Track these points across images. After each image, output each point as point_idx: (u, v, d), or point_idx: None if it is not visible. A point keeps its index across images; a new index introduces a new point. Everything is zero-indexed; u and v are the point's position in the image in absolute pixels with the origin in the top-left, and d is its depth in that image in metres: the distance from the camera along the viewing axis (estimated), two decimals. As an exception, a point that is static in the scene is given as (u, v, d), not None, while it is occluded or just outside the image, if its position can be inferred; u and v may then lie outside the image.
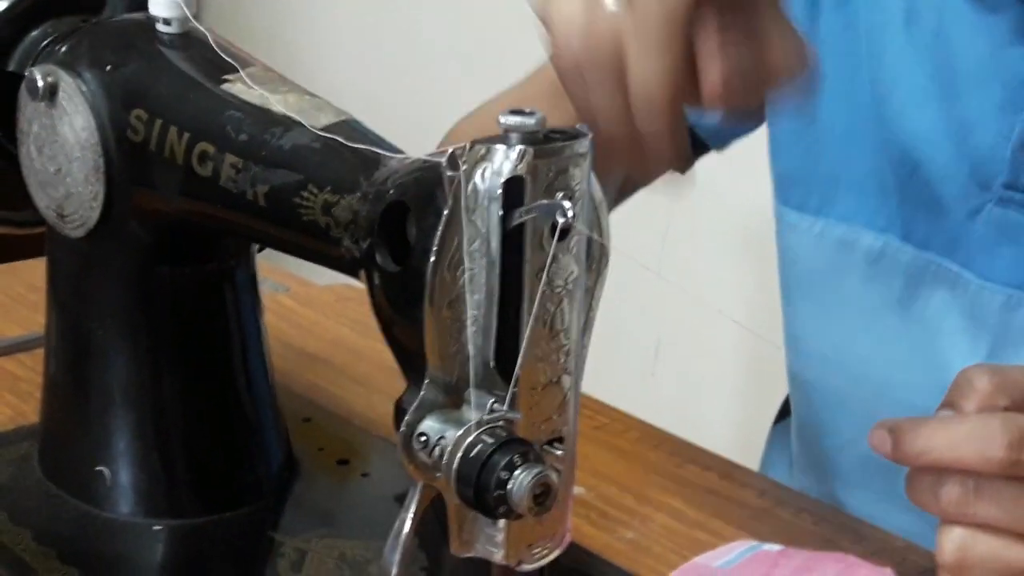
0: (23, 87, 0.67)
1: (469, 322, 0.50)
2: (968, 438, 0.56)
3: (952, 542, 0.57)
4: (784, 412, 1.03)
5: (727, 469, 0.82)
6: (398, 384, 0.52)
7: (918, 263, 0.80)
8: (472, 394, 0.50)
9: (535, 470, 0.48)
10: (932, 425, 0.57)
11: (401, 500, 0.71)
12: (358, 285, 0.58)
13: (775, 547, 0.69)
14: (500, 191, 0.48)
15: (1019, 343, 0.77)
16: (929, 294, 0.80)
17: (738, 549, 0.69)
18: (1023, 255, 0.76)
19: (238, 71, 0.62)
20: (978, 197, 0.77)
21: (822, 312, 0.87)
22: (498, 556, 0.52)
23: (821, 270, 0.85)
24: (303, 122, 0.59)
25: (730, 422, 1.65)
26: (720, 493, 0.79)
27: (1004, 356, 0.78)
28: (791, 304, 0.90)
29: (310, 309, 1.02)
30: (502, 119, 0.48)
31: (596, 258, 0.52)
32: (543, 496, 0.48)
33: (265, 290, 0.74)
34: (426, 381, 0.50)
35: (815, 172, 0.84)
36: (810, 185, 0.84)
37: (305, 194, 0.57)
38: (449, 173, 0.48)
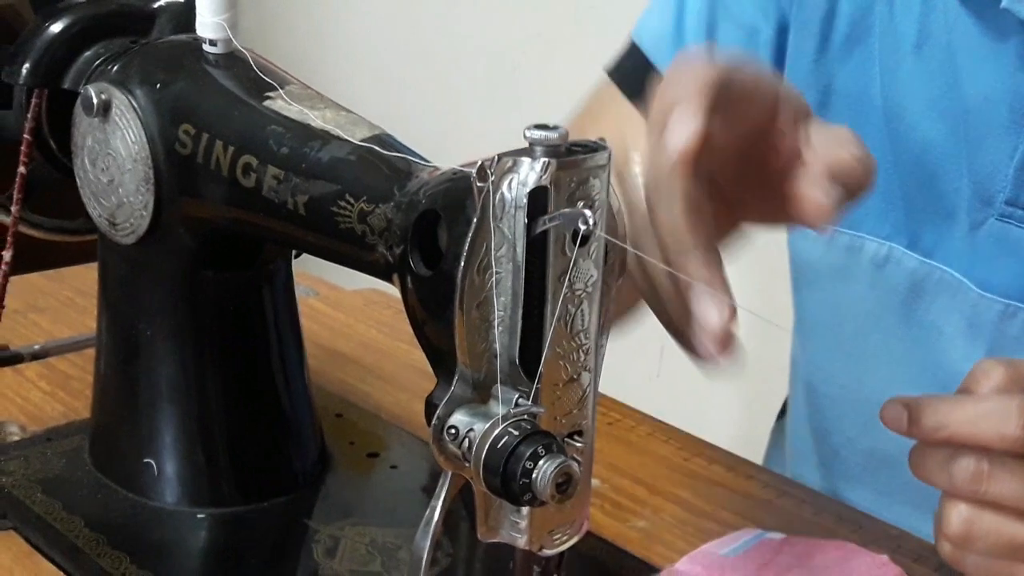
0: (78, 104, 0.68)
1: (496, 322, 0.50)
2: (987, 415, 0.56)
3: (959, 515, 0.57)
4: (785, 410, 1.03)
5: (732, 463, 0.82)
6: (423, 382, 0.53)
7: (923, 269, 0.80)
8: (499, 390, 0.50)
9: (558, 460, 0.48)
10: (950, 402, 0.57)
11: (427, 490, 0.72)
12: (385, 289, 0.58)
13: (778, 535, 0.69)
14: (525, 200, 0.48)
15: (1014, 350, 0.76)
16: (932, 299, 0.80)
17: (743, 538, 0.69)
18: (1022, 268, 0.76)
19: (279, 89, 0.63)
20: (981, 211, 0.76)
21: (830, 313, 0.87)
22: (521, 541, 0.52)
23: (830, 274, 0.86)
24: (340, 136, 0.59)
25: (732, 422, 1.65)
26: (726, 485, 0.79)
27: None
28: (801, 305, 0.90)
29: (340, 312, 1.03)
30: (527, 133, 0.49)
31: (613, 262, 0.53)
32: (565, 485, 0.49)
33: (297, 295, 0.74)
34: (456, 378, 0.51)
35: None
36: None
37: (342, 203, 0.57)
38: (478, 183, 0.49)
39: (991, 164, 0.76)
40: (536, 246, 0.49)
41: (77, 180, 0.71)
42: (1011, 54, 0.74)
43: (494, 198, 0.49)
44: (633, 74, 0.88)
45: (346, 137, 0.59)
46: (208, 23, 0.65)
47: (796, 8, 0.83)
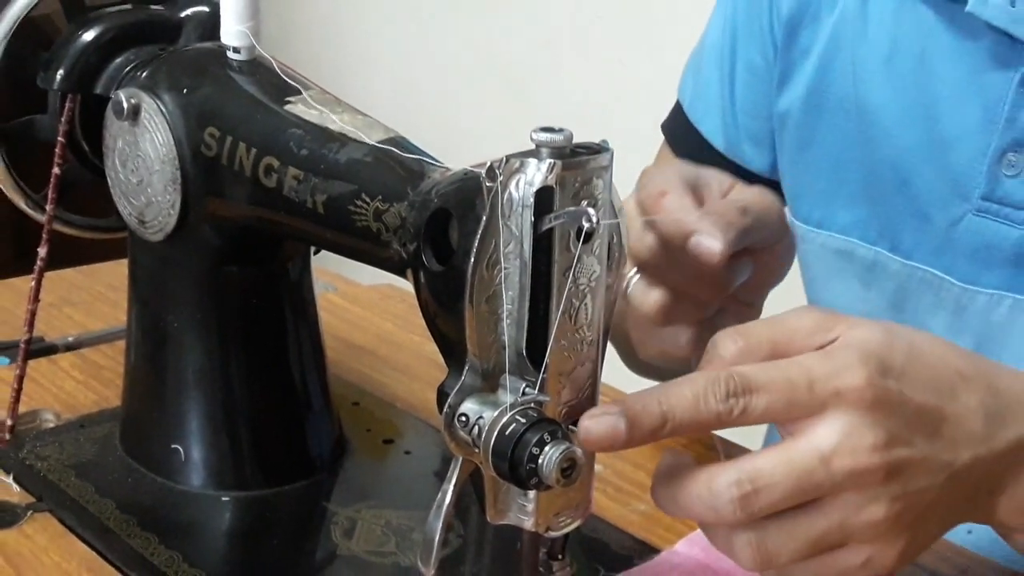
0: (109, 108, 0.68)
1: (504, 315, 0.50)
2: (700, 503, 0.49)
3: (745, 543, 0.50)
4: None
5: (728, 449, 0.82)
6: (436, 372, 0.53)
7: (905, 271, 0.80)
8: (507, 379, 0.51)
9: (562, 447, 0.49)
10: (665, 491, 0.51)
11: (439, 475, 0.72)
12: (400, 284, 0.58)
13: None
14: (532, 199, 0.48)
15: (1001, 337, 0.76)
16: (917, 299, 0.80)
17: (739, 520, 0.69)
18: (1001, 260, 0.75)
19: (299, 93, 0.63)
20: (959, 208, 0.76)
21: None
22: (528, 524, 0.52)
23: (826, 275, 0.85)
24: (357, 139, 0.59)
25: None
26: (723, 470, 0.79)
27: (988, 351, 0.77)
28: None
29: (357, 306, 1.03)
30: (534, 136, 0.49)
31: (616, 258, 0.53)
32: (569, 470, 0.49)
33: (316, 289, 0.74)
34: (466, 368, 0.51)
35: (814, 190, 0.84)
36: (812, 201, 0.85)
37: (359, 202, 0.57)
38: (487, 183, 0.49)
39: (966, 161, 0.75)
40: (542, 243, 0.49)
41: (108, 180, 0.71)
42: (981, 55, 0.74)
43: (502, 197, 0.49)
44: (678, 130, 0.92)
45: (363, 139, 0.59)
46: (232, 31, 0.65)
47: (781, 34, 0.84)
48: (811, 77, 0.82)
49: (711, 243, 0.59)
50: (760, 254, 0.64)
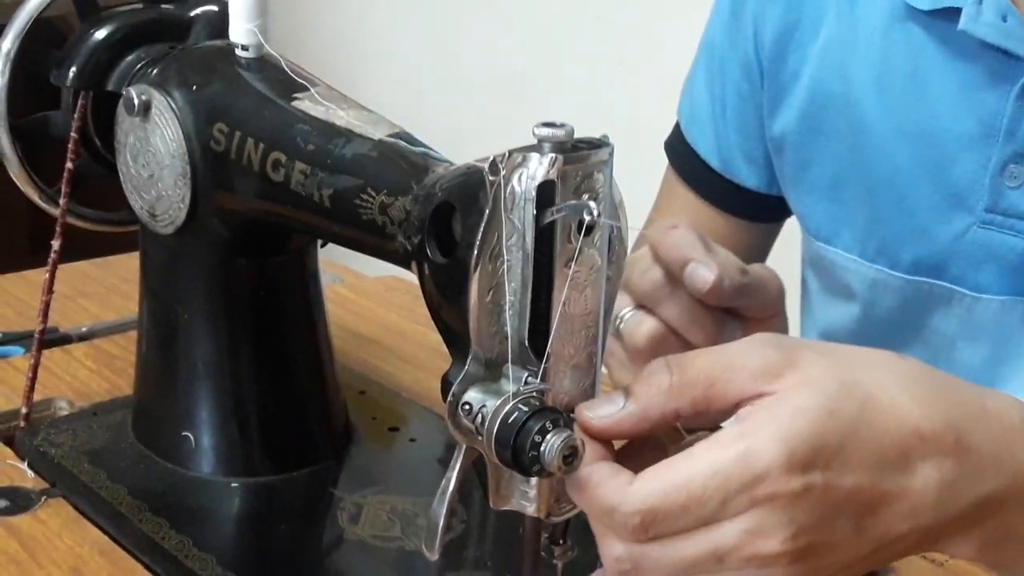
0: (120, 104, 0.68)
1: (507, 306, 0.50)
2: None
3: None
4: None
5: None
6: (440, 362, 0.53)
7: (910, 287, 0.79)
8: (509, 369, 0.50)
9: (564, 435, 0.48)
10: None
11: (443, 462, 0.72)
12: (405, 276, 0.58)
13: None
14: (534, 193, 0.48)
15: (1017, 341, 0.75)
16: (929, 312, 0.79)
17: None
18: (1009, 268, 0.75)
19: (306, 90, 0.63)
20: (961, 221, 0.76)
21: (840, 325, 0.86)
22: (530, 510, 0.52)
23: (836, 290, 0.85)
24: (362, 134, 0.59)
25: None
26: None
27: (1004, 355, 0.76)
28: (813, 314, 0.90)
29: (363, 297, 1.03)
30: (535, 130, 0.49)
31: (616, 251, 0.52)
32: (571, 457, 0.48)
33: (323, 281, 0.74)
34: (469, 358, 0.50)
35: (816, 210, 0.84)
36: (817, 221, 0.84)
37: (364, 196, 0.57)
38: (490, 178, 0.49)
39: (967, 176, 0.75)
40: (544, 236, 0.49)
41: (120, 175, 0.70)
42: (976, 72, 0.73)
43: (505, 191, 0.48)
44: (678, 148, 0.93)
45: (368, 135, 0.59)
46: (241, 29, 0.65)
47: (767, 61, 0.83)
48: (803, 100, 0.82)
49: (704, 272, 0.58)
50: (752, 325, 0.62)
